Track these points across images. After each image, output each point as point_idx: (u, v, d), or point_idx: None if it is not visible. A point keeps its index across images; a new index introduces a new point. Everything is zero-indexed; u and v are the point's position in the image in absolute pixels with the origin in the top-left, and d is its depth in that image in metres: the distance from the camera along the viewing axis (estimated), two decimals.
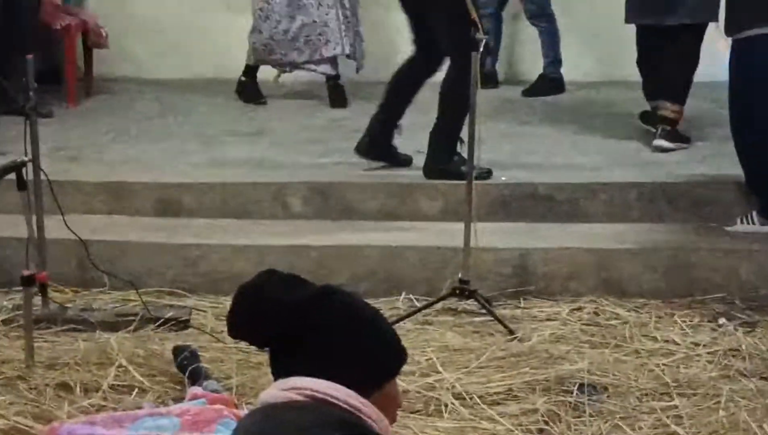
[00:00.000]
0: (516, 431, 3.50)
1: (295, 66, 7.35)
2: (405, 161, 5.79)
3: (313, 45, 7.18)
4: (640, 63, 6.71)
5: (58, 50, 7.17)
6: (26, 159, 4.06)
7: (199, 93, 7.53)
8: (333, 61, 7.32)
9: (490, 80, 7.76)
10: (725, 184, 5.34)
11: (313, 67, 7.32)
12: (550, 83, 7.92)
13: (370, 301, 4.12)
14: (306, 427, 1.84)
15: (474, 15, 4.53)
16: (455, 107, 5.21)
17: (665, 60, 6.43)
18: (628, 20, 6.57)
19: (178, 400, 3.66)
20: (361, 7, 7.58)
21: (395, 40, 7.45)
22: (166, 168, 5.70)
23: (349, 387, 1.91)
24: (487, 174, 5.28)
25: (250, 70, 7.44)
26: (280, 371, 1.98)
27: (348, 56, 7.33)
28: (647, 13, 6.37)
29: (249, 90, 7.44)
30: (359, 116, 6.42)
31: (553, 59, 7.94)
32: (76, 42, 7.23)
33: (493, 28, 7.68)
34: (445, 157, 5.49)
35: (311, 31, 7.13)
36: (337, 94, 7.38)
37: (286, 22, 7.04)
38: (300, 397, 1.90)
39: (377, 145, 5.69)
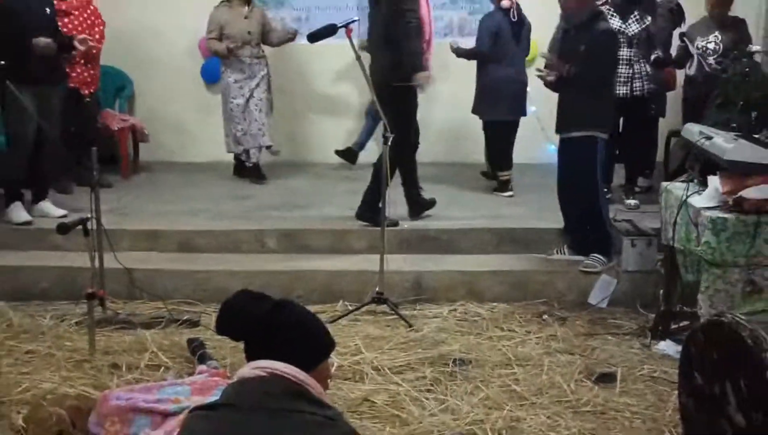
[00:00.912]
0: (412, 391, 3.76)
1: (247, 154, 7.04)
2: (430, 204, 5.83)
3: (255, 139, 6.96)
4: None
5: (117, 143, 7.12)
6: (89, 216, 4.23)
7: (209, 171, 7.40)
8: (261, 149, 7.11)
9: (352, 156, 7.58)
10: (547, 230, 5.47)
11: (256, 153, 7.05)
12: None
13: (319, 306, 4.63)
14: (268, 391, 2.06)
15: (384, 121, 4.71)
16: (377, 178, 5.13)
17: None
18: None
19: (191, 374, 3.81)
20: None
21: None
22: (185, 220, 5.75)
23: (296, 366, 2.11)
24: (394, 223, 5.37)
25: (236, 157, 7.18)
26: (251, 356, 2.18)
27: (269, 147, 7.11)
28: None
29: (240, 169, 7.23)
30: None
31: None
32: (127, 138, 7.22)
33: (367, 126, 7.51)
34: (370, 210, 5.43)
35: (256, 129, 6.91)
36: (258, 172, 7.11)
37: (243, 124, 6.87)
38: (264, 374, 2.10)
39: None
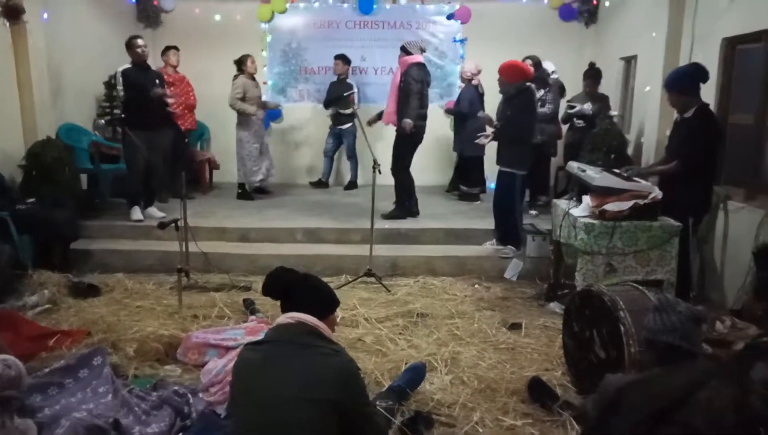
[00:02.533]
0: (389, 334, 3.73)
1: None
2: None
3: (270, 169, 6.71)
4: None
5: (199, 170, 7.04)
6: (179, 217, 4.29)
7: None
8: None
9: (324, 184, 7.38)
10: (482, 229, 5.38)
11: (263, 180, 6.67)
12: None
13: (329, 278, 4.53)
14: (295, 332, 2.07)
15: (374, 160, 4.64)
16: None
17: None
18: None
19: (245, 322, 3.79)
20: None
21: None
22: (242, 221, 5.63)
23: (314, 316, 2.12)
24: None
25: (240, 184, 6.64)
26: (285, 309, 2.17)
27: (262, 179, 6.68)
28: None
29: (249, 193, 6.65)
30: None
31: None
32: (206, 166, 7.13)
33: (327, 163, 7.34)
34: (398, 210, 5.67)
35: (266, 168, 6.63)
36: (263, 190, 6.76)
37: (260, 161, 6.52)
38: (293, 321, 2.10)
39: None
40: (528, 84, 4.90)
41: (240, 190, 6.64)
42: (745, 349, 1.95)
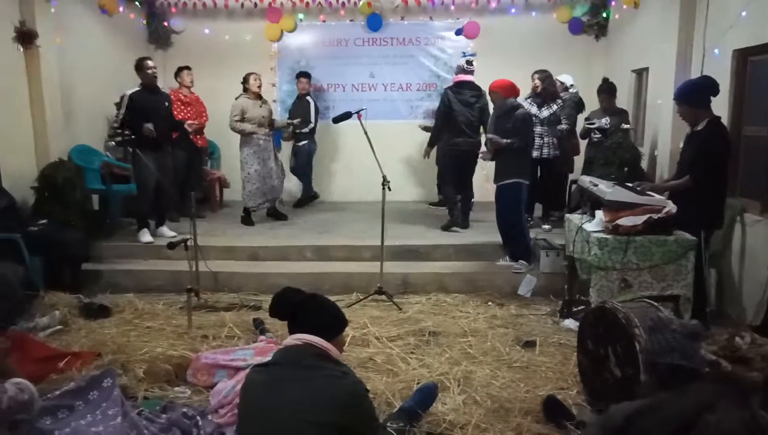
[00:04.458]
0: (401, 353, 3.69)
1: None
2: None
3: (275, 192, 6.38)
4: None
5: (209, 188, 7.07)
6: (189, 237, 4.30)
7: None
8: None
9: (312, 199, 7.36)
10: (488, 244, 5.35)
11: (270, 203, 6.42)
12: None
13: (339, 296, 4.53)
14: (302, 354, 2.07)
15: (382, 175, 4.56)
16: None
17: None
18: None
19: (254, 342, 3.77)
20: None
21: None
22: (252, 239, 5.64)
23: (321, 337, 2.11)
24: None
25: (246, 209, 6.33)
26: (292, 330, 2.18)
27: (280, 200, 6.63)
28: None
29: (271, 213, 6.49)
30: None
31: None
32: (216, 185, 7.15)
33: (305, 181, 7.26)
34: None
35: (275, 187, 6.33)
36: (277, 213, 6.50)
37: (260, 183, 6.16)
38: (300, 342, 2.10)
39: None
40: (517, 101, 5.04)
41: (243, 214, 6.34)
42: None
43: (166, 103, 5.66)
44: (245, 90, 6.16)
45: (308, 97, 7.03)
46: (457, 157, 5.84)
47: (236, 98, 6.15)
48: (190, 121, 6.09)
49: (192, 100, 6.61)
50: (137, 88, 5.42)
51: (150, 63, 5.47)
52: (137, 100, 5.31)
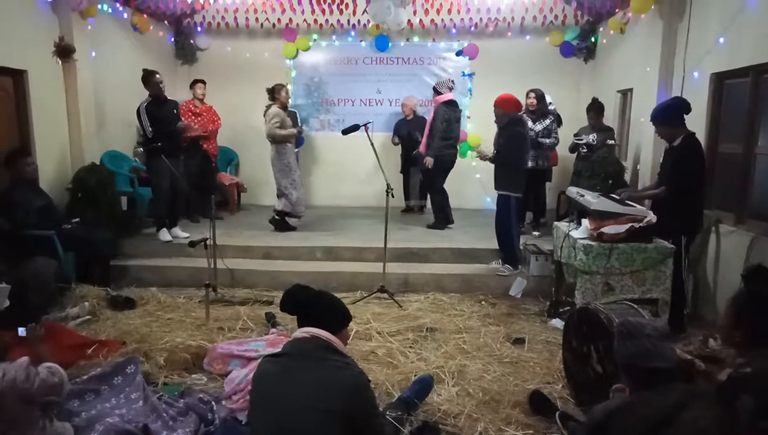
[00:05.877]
0: (400, 347, 3.69)
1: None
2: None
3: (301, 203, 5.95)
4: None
5: (227, 192, 7.05)
6: (207, 236, 4.25)
7: None
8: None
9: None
10: (483, 249, 5.32)
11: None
12: None
13: (345, 293, 4.54)
14: (309, 346, 2.06)
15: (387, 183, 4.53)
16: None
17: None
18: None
19: (267, 334, 3.77)
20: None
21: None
22: (266, 240, 5.60)
23: (328, 331, 2.11)
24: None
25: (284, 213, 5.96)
26: (301, 324, 2.16)
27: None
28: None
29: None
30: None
31: None
32: (234, 189, 7.11)
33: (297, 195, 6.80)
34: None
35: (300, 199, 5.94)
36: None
37: (296, 193, 5.87)
38: (308, 335, 2.09)
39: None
40: (520, 114, 4.95)
41: (278, 218, 5.94)
42: (729, 380, 1.87)
43: (175, 111, 5.62)
44: (273, 99, 5.82)
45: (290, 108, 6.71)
46: (447, 168, 6.09)
47: (268, 106, 5.79)
48: (184, 122, 5.77)
49: (203, 111, 6.59)
50: (149, 99, 5.34)
51: (158, 77, 5.36)
52: (153, 112, 5.30)
